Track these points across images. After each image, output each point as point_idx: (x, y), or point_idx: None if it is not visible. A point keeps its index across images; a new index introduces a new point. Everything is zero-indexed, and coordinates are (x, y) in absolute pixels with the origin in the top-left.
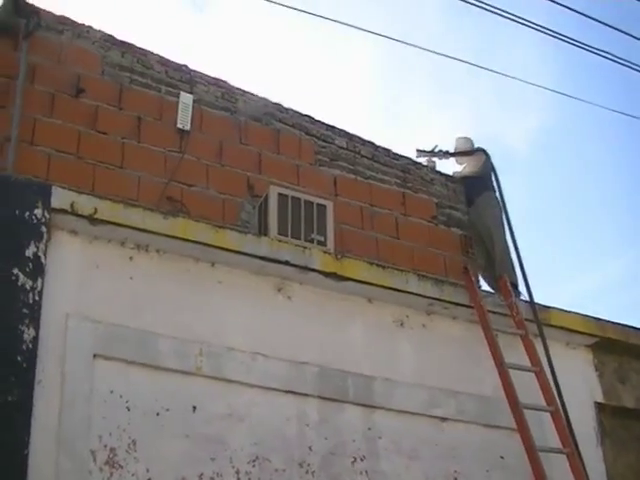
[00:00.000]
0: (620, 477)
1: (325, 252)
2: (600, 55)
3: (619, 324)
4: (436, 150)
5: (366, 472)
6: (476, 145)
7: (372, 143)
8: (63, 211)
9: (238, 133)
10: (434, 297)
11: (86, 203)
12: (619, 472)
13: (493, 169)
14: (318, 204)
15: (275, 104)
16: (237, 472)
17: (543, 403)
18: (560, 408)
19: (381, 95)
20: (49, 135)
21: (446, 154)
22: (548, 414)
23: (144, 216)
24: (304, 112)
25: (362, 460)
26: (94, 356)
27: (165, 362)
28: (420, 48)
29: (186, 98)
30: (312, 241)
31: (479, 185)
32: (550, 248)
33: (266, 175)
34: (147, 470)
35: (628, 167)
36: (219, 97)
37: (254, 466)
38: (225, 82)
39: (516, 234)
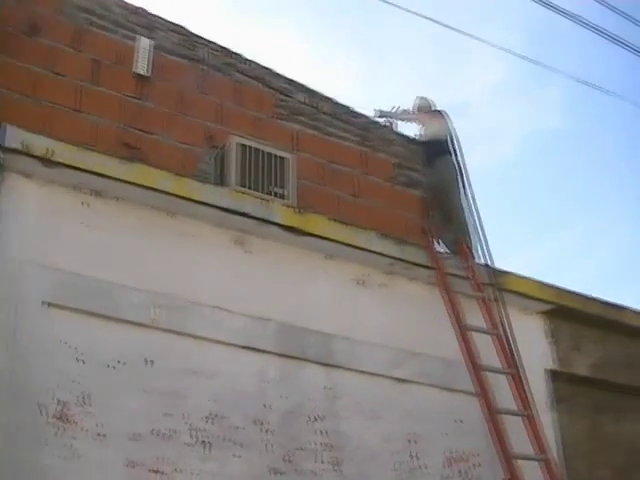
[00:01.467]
0: (573, 442)
1: (286, 206)
2: None
3: (575, 292)
4: (396, 110)
5: (325, 432)
6: (437, 107)
7: (332, 99)
8: (16, 151)
9: (198, 82)
10: (395, 257)
11: (40, 143)
12: (572, 438)
13: (453, 132)
14: (279, 156)
15: (236, 54)
16: (192, 429)
17: (501, 366)
18: (519, 371)
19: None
20: (3, 75)
21: (406, 114)
22: (503, 377)
23: (102, 160)
24: (265, 65)
25: (321, 420)
26: (47, 305)
27: (121, 313)
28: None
29: (145, 43)
30: (272, 194)
31: (438, 148)
32: (509, 215)
33: (226, 126)
34: (100, 425)
35: (586, 133)
36: (179, 44)
37: (211, 423)
38: (185, 29)
39: (475, 198)
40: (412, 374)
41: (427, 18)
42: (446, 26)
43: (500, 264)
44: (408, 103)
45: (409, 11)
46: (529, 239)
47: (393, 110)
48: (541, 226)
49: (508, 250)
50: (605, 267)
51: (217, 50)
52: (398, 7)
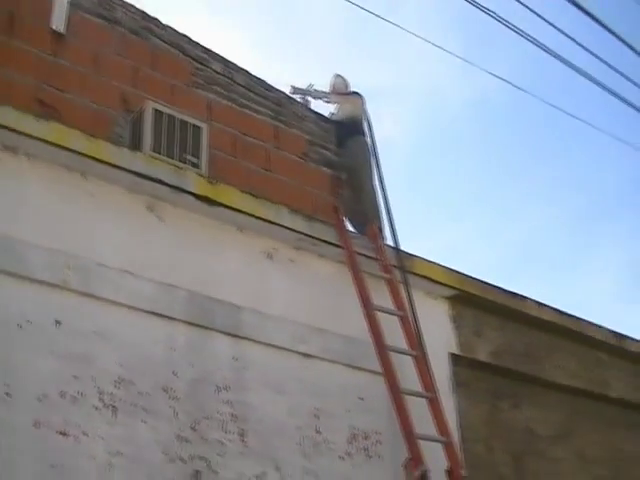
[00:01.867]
0: (471, 426)
1: (199, 175)
2: None
3: (478, 279)
4: (311, 89)
5: (231, 402)
6: (352, 88)
7: (247, 72)
8: None
9: (115, 44)
10: (304, 232)
11: None
12: (471, 422)
13: (366, 114)
14: (194, 125)
15: (153, 19)
16: (100, 392)
17: (406, 347)
18: (423, 354)
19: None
20: None
21: (321, 93)
22: (408, 359)
23: (15, 116)
24: (182, 32)
25: (227, 390)
26: None
27: (30, 272)
28: None
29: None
30: (186, 162)
31: (351, 128)
32: (416, 199)
33: (141, 90)
34: (6, 385)
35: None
36: (96, 3)
37: (118, 388)
38: None
39: (385, 181)
40: (317, 350)
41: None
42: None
43: (406, 247)
44: (323, 82)
45: None
46: (433, 225)
47: (308, 88)
48: (446, 213)
49: (414, 234)
50: (504, 257)
51: (135, 13)
52: None
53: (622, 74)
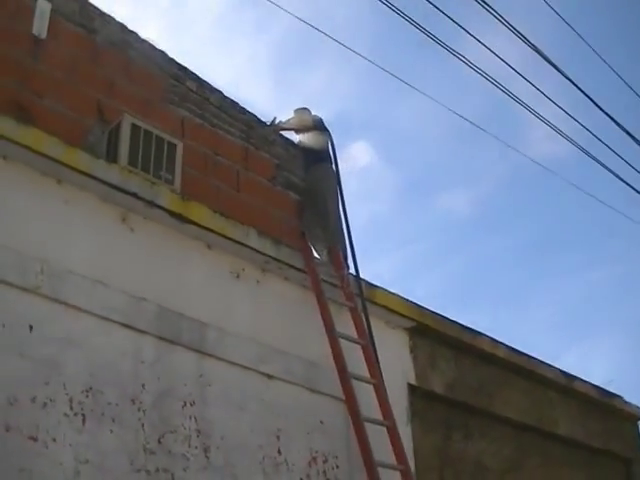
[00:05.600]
0: (424, 456)
1: (172, 191)
2: None
3: (436, 313)
4: (276, 122)
5: (195, 417)
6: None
7: (221, 92)
8: None
9: (92, 53)
10: (271, 255)
11: None
12: (424, 451)
13: (332, 144)
14: (169, 142)
15: (132, 32)
16: (70, 400)
17: (366, 375)
18: (382, 382)
19: None
20: None
21: (287, 124)
22: (368, 386)
23: None
24: (159, 47)
25: (192, 405)
26: None
27: (4, 275)
28: None
29: (44, 4)
30: (160, 177)
31: (317, 155)
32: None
33: (116, 102)
34: None
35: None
36: (76, 12)
37: (87, 396)
38: None
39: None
40: (279, 371)
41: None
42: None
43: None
44: (288, 113)
45: None
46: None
47: (272, 121)
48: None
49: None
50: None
51: (114, 25)
52: None
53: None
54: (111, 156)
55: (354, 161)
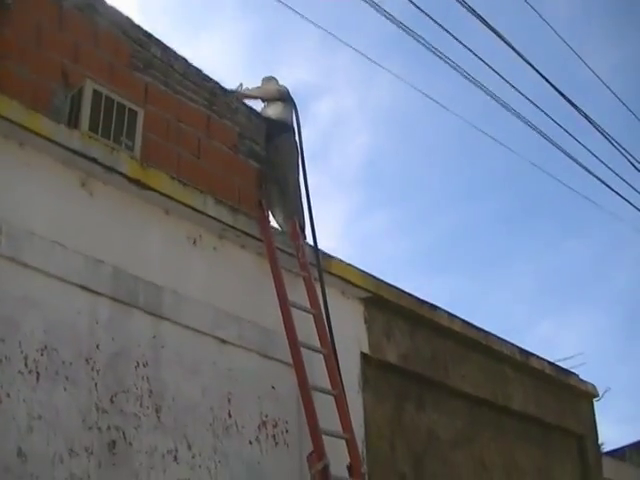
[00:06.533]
0: (376, 425)
1: (132, 157)
2: None
3: (392, 285)
4: (241, 88)
5: (148, 378)
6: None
7: (185, 59)
8: None
9: (57, 18)
10: (227, 223)
11: None
12: (376, 420)
13: (297, 115)
14: (130, 109)
15: None
16: (25, 358)
17: (317, 344)
18: (333, 352)
19: None
20: None
21: (251, 91)
22: (319, 356)
23: None
24: (125, 13)
25: (145, 366)
26: None
27: None
28: None
29: None
30: (120, 144)
31: (280, 125)
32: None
33: (80, 67)
34: None
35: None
36: None
37: (42, 355)
38: None
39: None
40: (232, 336)
41: None
42: None
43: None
44: (255, 81)
45: None
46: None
47: (238, 87)
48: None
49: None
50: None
51: None
52: None
53: None
54: (73, 121)
55: None
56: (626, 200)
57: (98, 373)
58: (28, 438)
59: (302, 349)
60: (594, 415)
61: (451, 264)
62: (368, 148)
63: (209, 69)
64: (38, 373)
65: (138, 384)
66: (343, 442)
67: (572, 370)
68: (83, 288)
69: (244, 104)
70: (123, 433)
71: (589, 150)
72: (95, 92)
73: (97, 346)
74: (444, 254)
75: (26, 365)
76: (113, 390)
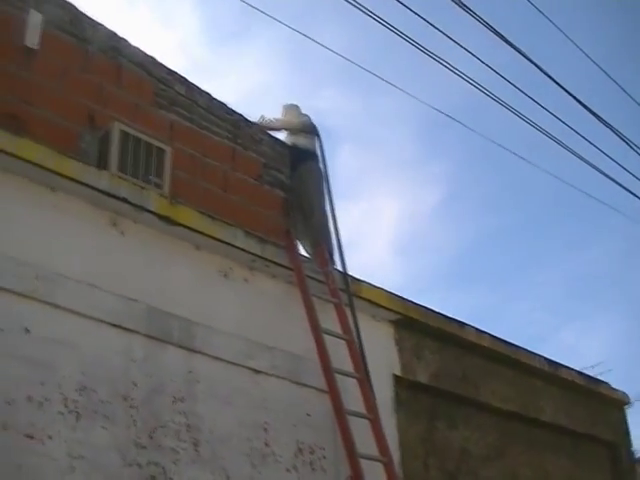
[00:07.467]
0: (409, 445)
1: (161, 195)
2: None
3: (420, 305)
4: (262, 120)
5: (185, 413)
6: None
7: (209, 94)
8: None
9: (82, 62)
10: (257, 254)
11: None
12: (409, 440)
13: (320, 144)
14: (158, 147)
15: (121, 39)
16: (65, 399)
17: (351, 370)
18: (366, 376)
19: None
20: None
21: (275, 122)
22: (352, 380)
23: None
24: (148, 53)
25: (181, 401)
26: None
27: (1, 281)
28: None
29: (36, 16)
30: (149, 182)
31: (305, 154)
32: None
33: (106, 108)
34: None
35: None
36: (67, 22)
37: (81, 395)
38: (74, 7)
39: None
40: (265, 366)
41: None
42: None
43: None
44: (277, 110)
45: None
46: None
47: (260, 119)
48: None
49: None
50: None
51: (104, 32)
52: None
53: None
54: (102, 162)
55: None
56: None
57: (136, 410)
58: (70, 478)
59: (336, 375)
60: (626, 422)
61: (472, 276)
62: None
63: (232, 100)
64: (77, 413)
65: (175, 419)
66: (379, 465)
67: (600, 378)
68: (117, 327)
69: (268, 134)
70: (163, 468)
71: (607, 154)
72: (123, 133)
73: (134, 383)
74: (465, 267)
75: (66, 406)
76: (151, 426)
